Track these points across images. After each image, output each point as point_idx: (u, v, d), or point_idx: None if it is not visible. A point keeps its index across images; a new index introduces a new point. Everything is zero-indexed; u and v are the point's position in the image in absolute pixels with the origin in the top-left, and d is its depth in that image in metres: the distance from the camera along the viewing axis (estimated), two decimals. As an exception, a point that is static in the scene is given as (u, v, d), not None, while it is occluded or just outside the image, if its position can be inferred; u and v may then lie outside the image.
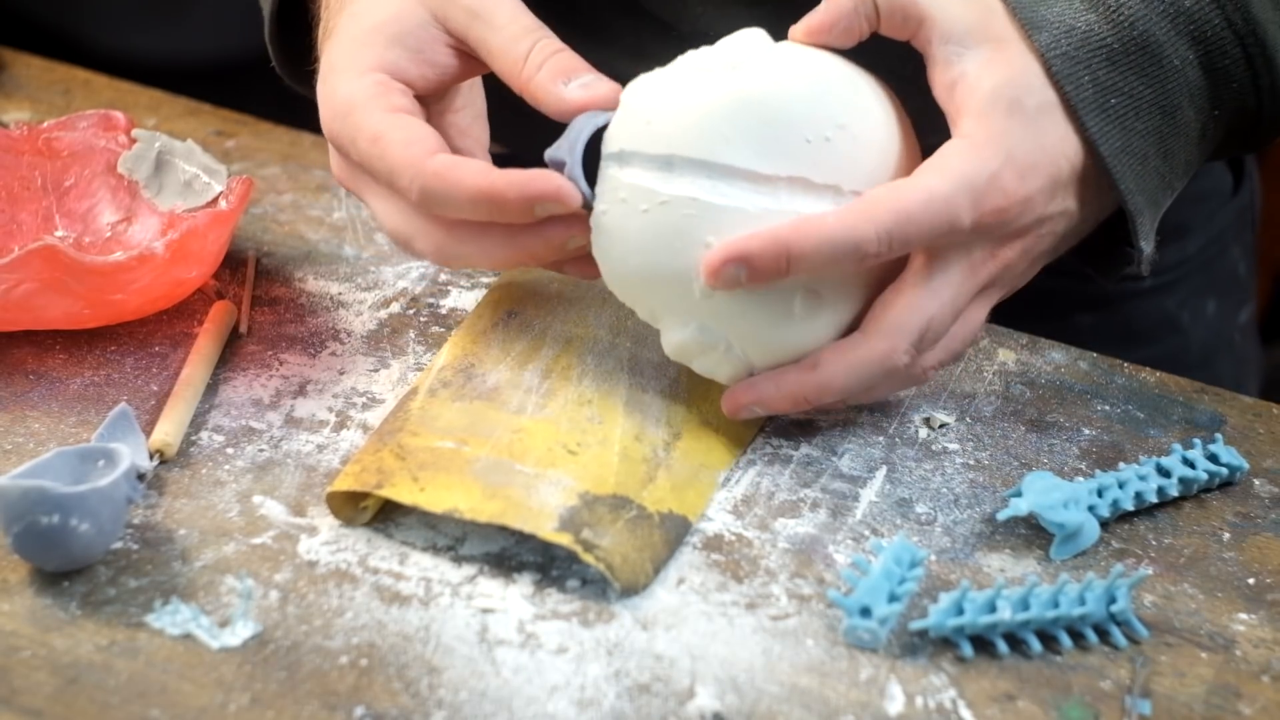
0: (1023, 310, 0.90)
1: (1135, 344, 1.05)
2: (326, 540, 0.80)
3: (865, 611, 0.76)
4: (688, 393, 0.86)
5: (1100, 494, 0.82)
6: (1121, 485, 0.83)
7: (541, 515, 0.78)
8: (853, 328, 0.81)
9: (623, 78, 0.81)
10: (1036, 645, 0.76)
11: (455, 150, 0.82)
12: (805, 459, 0.85)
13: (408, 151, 0.79)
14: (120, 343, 0.91)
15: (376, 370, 0.90)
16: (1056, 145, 0.79)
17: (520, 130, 0.89)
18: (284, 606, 0.76)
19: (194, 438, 0.85)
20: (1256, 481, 0.86)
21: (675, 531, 0.80)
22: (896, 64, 0.82)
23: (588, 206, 0.79)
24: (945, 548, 0.81)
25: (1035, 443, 0.87)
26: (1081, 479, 0.84)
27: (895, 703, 0.74)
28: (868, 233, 0.76)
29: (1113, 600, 0.76)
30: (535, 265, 0.83)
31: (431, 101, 0.85)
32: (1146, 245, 0.82)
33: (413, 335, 0.92)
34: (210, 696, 0.73)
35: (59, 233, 0.96)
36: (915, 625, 0.76)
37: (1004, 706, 0.74)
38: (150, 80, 1.14)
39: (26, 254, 0.85)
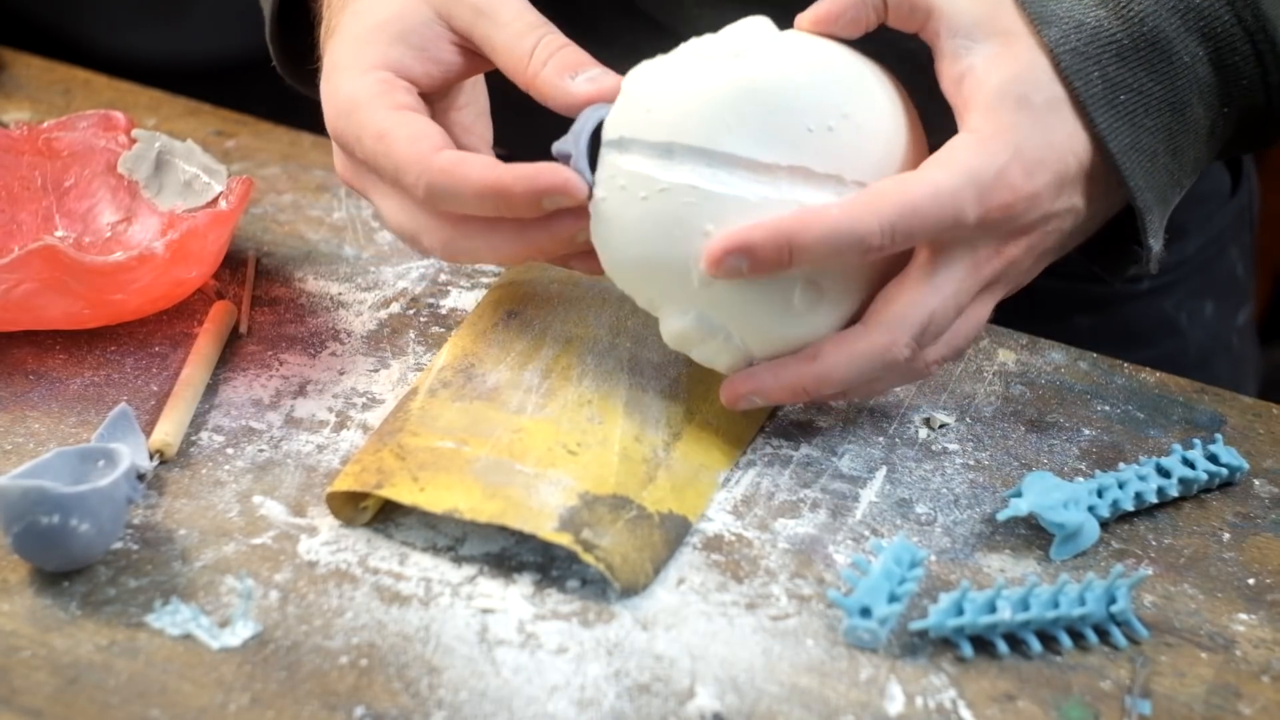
0: (1020, 312, 0.90)
1: (1133, 346, 1.05)
2: (326, 540, 0.80)
3: (865, 611, 0.76)
4: (688, 393, 0.86)
5: (1100, 494, 0.82)
6: (1121, 485, 0.83)
7: (541, 515, 0.78)
8: (854, 320, 0.80)
9: None
10: (1036, 645, 0.76)
11: (460, 148, 0.82)
12: (805, 459, 0.85)
13: (413, 148, 0.79)
14: (120, 343, 0.91)
15: (376, 370, 0.90)
16: (1064, 142, 0.79)
17: (522, 130, 0.89)
18: (284, 606, 0.76)
19: (194, 438, 0.85)
20: (1256, 481, 0.86)
21: (675, 531, 0.80)
22: (907, 54, 0.81)
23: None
24: (945, 548, 0.81)
25: (1035, 443, 0.87)
26: (1081, 479, 0.84)
27: (895, 703, 0.74)
28: (871, 226, 0.75)
29: (1113, 600, 0.76)
30: (543, 260, 0.82)
31: (435, 99, 0.84)
32: (1155, 243, 0.82)
33: (413, 335, 0.92)
34: (210, 696, 0.73)
35: (59, 233, 0.96)
36: (915, 625, 0.76)
37: (1004, 706, 0.74)
38: (150, 80, 1.14)
39: (26, 254, 0.85)
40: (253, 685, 0.73)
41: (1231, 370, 1.17)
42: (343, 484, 0.80)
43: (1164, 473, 0.84)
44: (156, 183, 0.96)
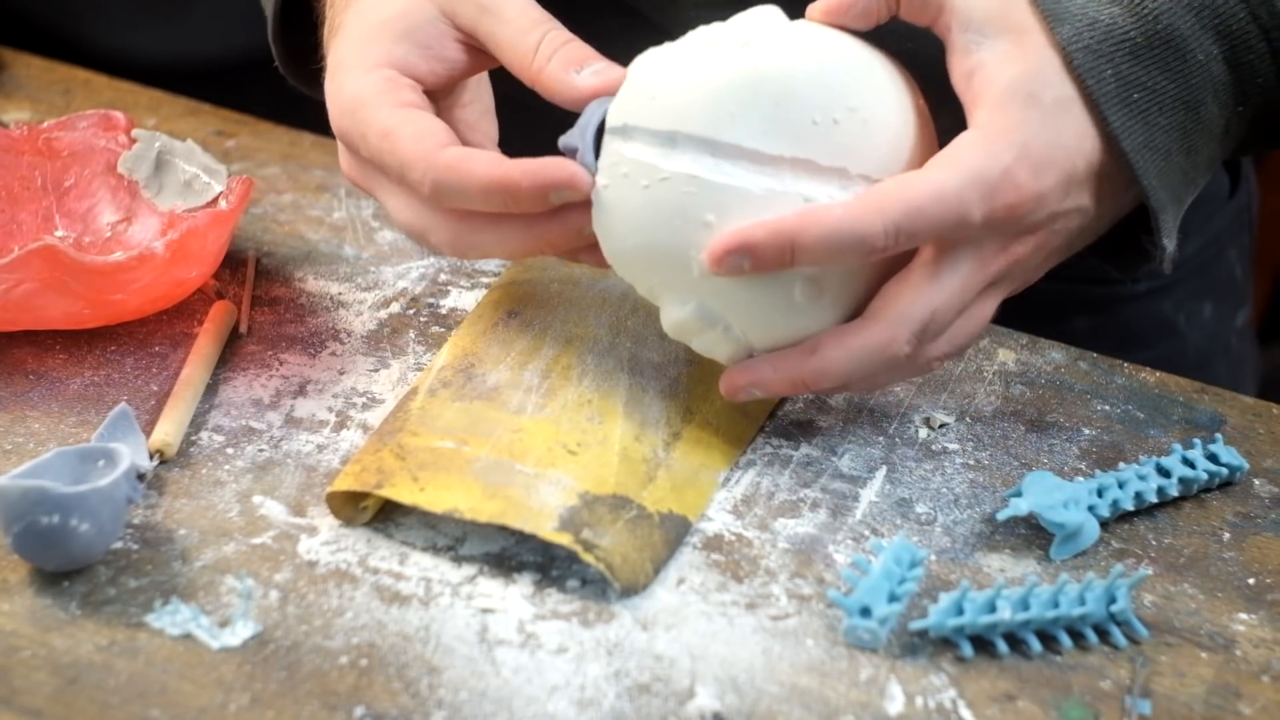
0: (1019, 313, 0.89)
1: (1132, 347, 1.05)
2: (326, 540, 0.80)
3: (865, 611, 0.76)
4: (688, 393, 0.86)
5: (1100, 494, 0.82)
6: (1121, 485, 0.83)
7: (541, 515, 0.78)
8: (856, 314, 0.79)
9: None
10: (1036, 645, 0.76)
11: (465, 145, 0.81)
12: (805, 459, 0.85)
13: (419, 146, 0.79)
14: (120, 343, 0.91)
15: (376, 370, 0.90)
16: (1073, 141, 0.78)
17: (522, 130, 0.88)
18: (284, 606, 0.76)
19: (194, 438, 0.85)
20: (1256, 481, 0.86)
21: (675, 531, 0.80)
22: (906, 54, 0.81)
23: None
24: (945, 548, 0.81)
25: (1035, 443, 0.87)
26: (1081, 479, 0.84)
27: (895, 703, 0.74)
28: (875, 226, 0.75)
29: (1113, 600, 0.76)
30: (552, 253, 0.82)
31: (440, 97, 0.84)
32: (1169, 243, 0.81)
33: (413, 335, 0.92)
34: (210, 696, 0.73)
35: (59, 233, 0.96)
36: (915, 625, 0.76)
37: (1004, 706, 0.74)
38: (150, 80, 1.14)
39: (26, 254, 0.85)
40: (253, 685, 0.73)
41: (1230, 371, 1.17)
42: (343, 484, 0.80)
43: (1164, 472, 0.84)
44: (156, 183, 0.96)
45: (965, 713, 0.73)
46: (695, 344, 0.81)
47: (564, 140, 0.79)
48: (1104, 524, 0.82)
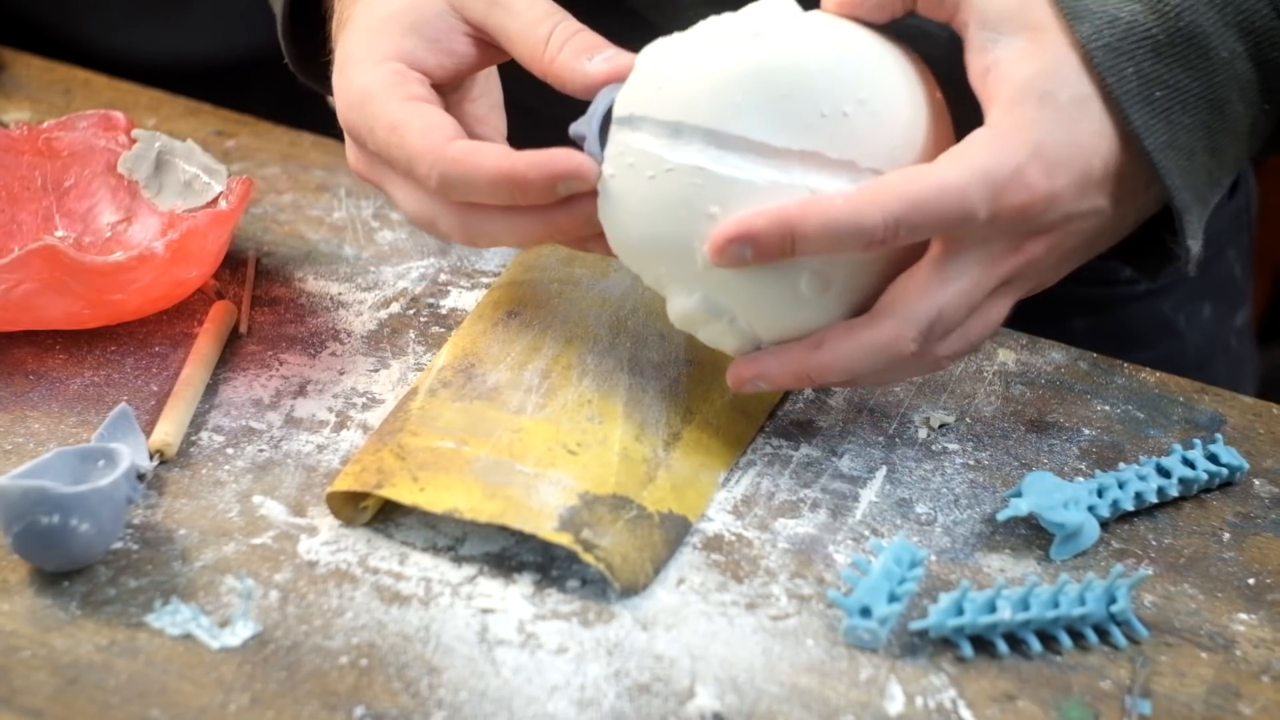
0: (1019, 313, 0.89)
1: (1132, 347, 1.05)
2: (326, 540, 0.80)
3: (865, 611, 0.76)
4: (688, 393, 0.86)
5: (1100, 494, 0.82)
6: (1121, 485, 0.83)
7: (541, 515, 0.78)
8: (865, 308, 0.79)
9: None
10: (1036, 645, 0.76)
11: (474, 139, 0.81)
12: (805, 459, 0.85)
13: (426, 139, 0.79)
14: (120, 343, 0.91)
15: (376, 370, 0.90)
16: (1089, 141, 0.77)
17: (524, 131, 0.88)
18: (284, 606, 0.76)
19: (194, 438, 0.85)
20: (1256, 481, 0.86)
21: (675, 531, 0.80)
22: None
23: None
24: (945, 548, 0.81)
25: (1035, 443, 0.87)
26: (1081, 479, 0.84)
27: (895, 703, 0.74)
28: (874, 218, 0.74)
29: (1113, 600, 0.76)
30: (561, 240, 0.81)
31: (448, 91, 0.84)
32: (1194, 244, 0.79)
33: (413, 335, 0.92)
34: (210, 696, 0.73)
35: (59, 233, 0.96)
36: (915, 625, 0.76)
37: (1004, 706, 0.74)
38: (150, 80, 1.14)
39: (26, 254, 0.85)
40: (253, 685, 0.73)
41: (1230, 372, 1.17)
42: (343, 484, 0.80)
43: (1164, 473, 0.84)
44: (156, 183, 0.96)
45: (965, 713, 0.73)
46: (702, 335, 0.81)
47: (574, 128, 0.79)
48: (1104, 524, 0.82)
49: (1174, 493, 0.83)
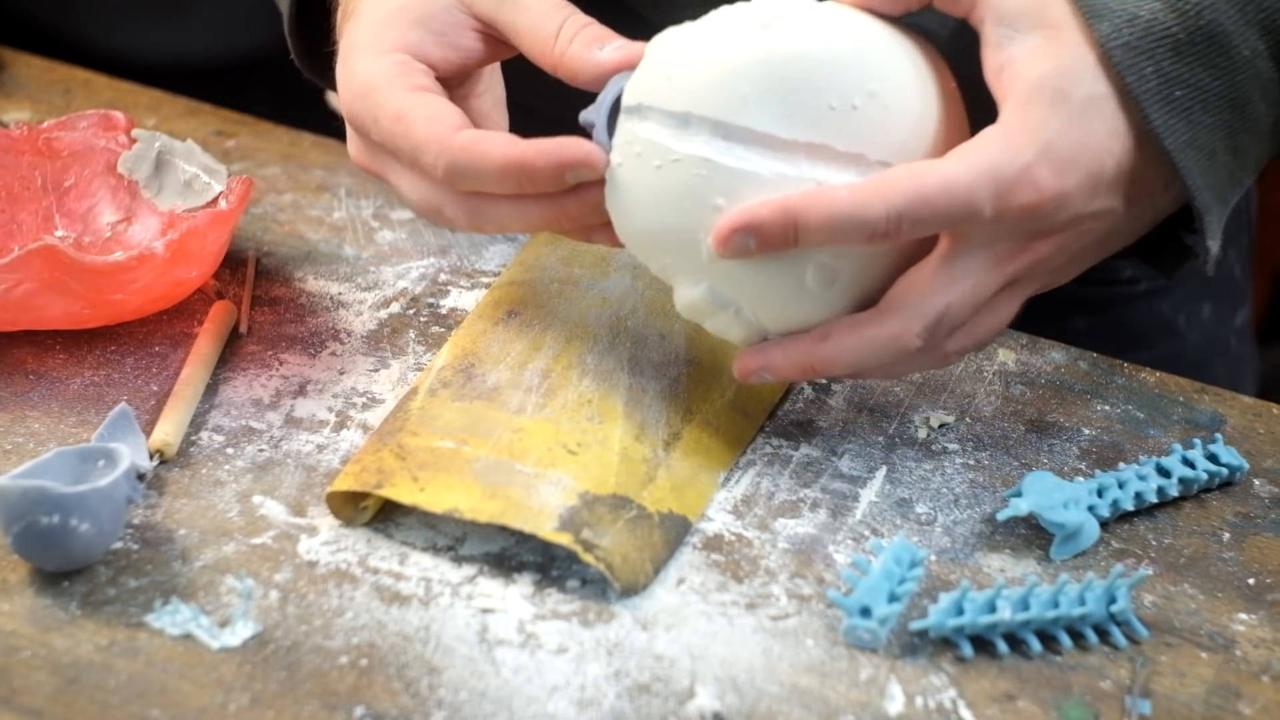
0: (1019, 313, 0.89)
1: (1131, 348, 1.04)
2: (326, 540, 0.80)
3: (865, 611, 0.76)
4: (688, 393, 0.86)
5: (1100, 494, 0.82)
6: (1121, 485, 0.83)
7: (541, 515, 0.78)
8: (872, 302, 0.78)
9: None
10: (1036, 645, 0.76)
11: None
12: (805, 459, 0.85)
13: (432, 129, 0.79)
14: (120, 343, 0.91)
15: (376, 370, 0.90)
16: (1102, 141, 0.76)
17: (525, 133, 0.88)
18: (284, 606, 0.76)
19: (194, 438, 0.85)
20: (1256, 481, 0.86)
21: (675, 531, 0.80)
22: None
23: None
24: (945, 548, 0.81)
25: (1035, 443, 0.87)
26: (1081, 479, 0.84)
27: (895, 703, 0.74)
28: (877, 211, 0.74)
29: (1113, 600, 0.76)
30: (569, 227, 0.81)
31: (453, 85, 0.84)
32: (1214, 244, 0.79)
33: (413, 335, 0.92)
34: (210, 696, 0.73)
35: (59, 233, 0.96)
36: (915, 625, 0.76)
37: (1004, 706, 0.74)
38: (150, 80, 1.14)
39: (26, 254, 0.85)
40: (253, 685, 0.73)
41: (1229, 372, 1.17)
42: (343, 484, 0.80)
43: (1164, 472, 0.84)
44: (156, 183, 0.96)
45: (965, 713, 0.73)
46: (709, 325, 0.81)
47: (584, 115, 0.79)
48: (1104, 524, 0.82)
49: (1174, 493, 0.83)
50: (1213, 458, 0.85)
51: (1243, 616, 0.78)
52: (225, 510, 0.81)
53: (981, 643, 0.76)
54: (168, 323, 0.92)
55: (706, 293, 0.79)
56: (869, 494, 0.84)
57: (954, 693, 0.74)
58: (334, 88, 0.85)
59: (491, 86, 0.87)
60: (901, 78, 0.77)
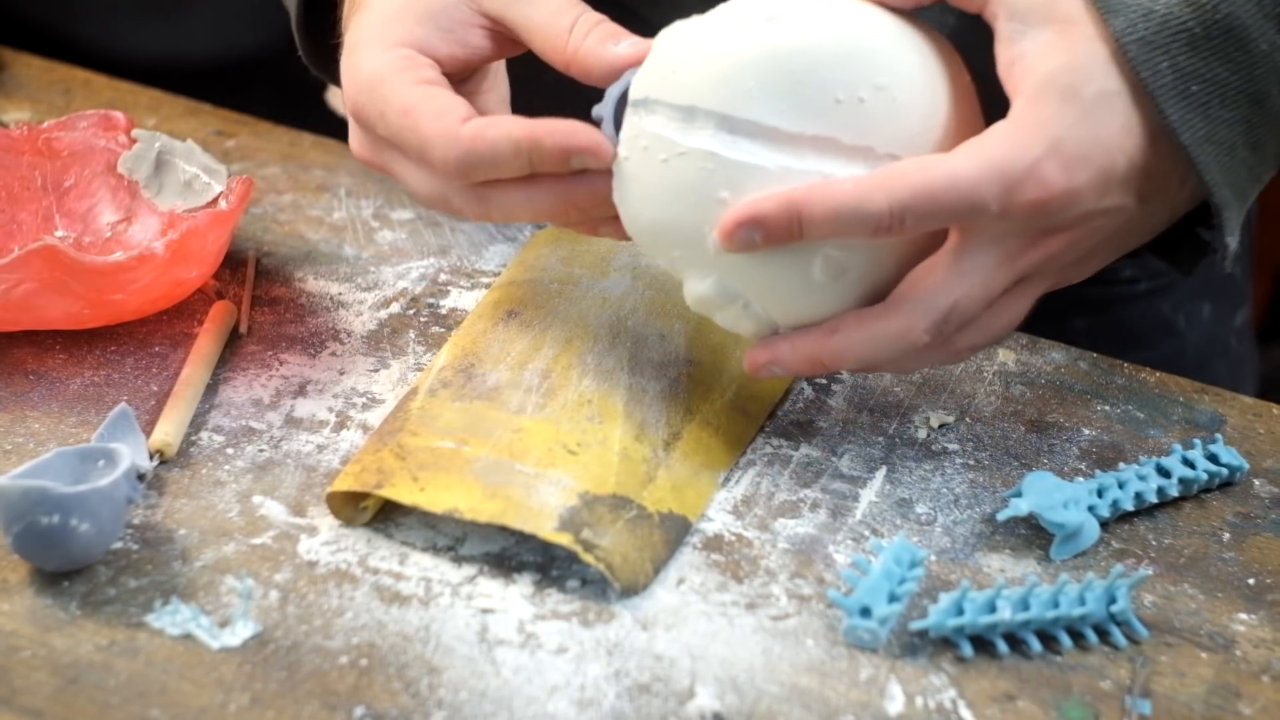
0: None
1: (1131, 348, 1.04)
2: (326, 540, 0.80)
3: (865, 611, 0.76)
4: (688, 393, 0.86)
5: (1100, 494, 0.82)
6: (1121, 485, 0.83)
7: (541, 515, 0.78)
8: (882, 296, 0.78)
9: None
10: (1036, 645, 0.76)
11: None
12: (805, 459, 0.85)
13: (440, 123, 0.78)
14: (120, 343, 0.91)
15: (376, 370, 0.90)
16: (1113, 137, 0.75)
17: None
18: (284, 606, 0.76)
19: (194, 438, 0.85)
20: (1256, 481, 0.86)
21: (675, 531, 0.80)
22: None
23: None
24: (945, 548, 0.81)
25: (1035, 443, 0.87)
26: (1081, 479, 0.84)
27: (895, 703, 0.74)
28: (880, 205, 0.73)
29: (1113, 600, 0.76)
30: (576, 217, 0.81)
31: (458, 82, 0.83)
32: (1233, 240, 0.78)
33: (413, 335, 0.92)
34: (210, 696, 0.73)
35: (59, 233, 0.96)
36: (915, 625, 0.76)
37: (1004, 706, 0.74)
38: (150, 80, 1.14)
39: (26, 254, 0.85)
40: (253, 685, 0.73)
41: (1229, 372, 1.17)
42: (343, 484, 0.80)
43: (1164, 473, 0.84)
44: (156, 183, 0.96)
45: (965, 713, 0.73)
46: (719, 319, 0.80)
47: (596, 110, 0.79)
48: (1104, 524, 0.82)
49: (1174, 493, 0.83)
50: (1213, 458, 0.85)
51: (1243, 616, 0.78)
52: (225, 510, 0.81)
53: (981, 643, 0.76)
54: (168, 323, 0.92)
55: (715, 286, 0.79)
56: (869, 494, 0.84)
57: (954, 693, 0.74)
58: (339, 82, 0.84)
59: (496, 84, 0.87)
60: (910, 70, 0.77)
